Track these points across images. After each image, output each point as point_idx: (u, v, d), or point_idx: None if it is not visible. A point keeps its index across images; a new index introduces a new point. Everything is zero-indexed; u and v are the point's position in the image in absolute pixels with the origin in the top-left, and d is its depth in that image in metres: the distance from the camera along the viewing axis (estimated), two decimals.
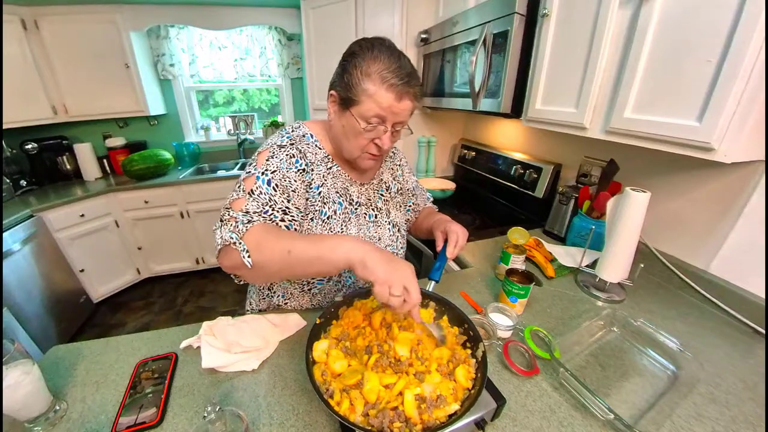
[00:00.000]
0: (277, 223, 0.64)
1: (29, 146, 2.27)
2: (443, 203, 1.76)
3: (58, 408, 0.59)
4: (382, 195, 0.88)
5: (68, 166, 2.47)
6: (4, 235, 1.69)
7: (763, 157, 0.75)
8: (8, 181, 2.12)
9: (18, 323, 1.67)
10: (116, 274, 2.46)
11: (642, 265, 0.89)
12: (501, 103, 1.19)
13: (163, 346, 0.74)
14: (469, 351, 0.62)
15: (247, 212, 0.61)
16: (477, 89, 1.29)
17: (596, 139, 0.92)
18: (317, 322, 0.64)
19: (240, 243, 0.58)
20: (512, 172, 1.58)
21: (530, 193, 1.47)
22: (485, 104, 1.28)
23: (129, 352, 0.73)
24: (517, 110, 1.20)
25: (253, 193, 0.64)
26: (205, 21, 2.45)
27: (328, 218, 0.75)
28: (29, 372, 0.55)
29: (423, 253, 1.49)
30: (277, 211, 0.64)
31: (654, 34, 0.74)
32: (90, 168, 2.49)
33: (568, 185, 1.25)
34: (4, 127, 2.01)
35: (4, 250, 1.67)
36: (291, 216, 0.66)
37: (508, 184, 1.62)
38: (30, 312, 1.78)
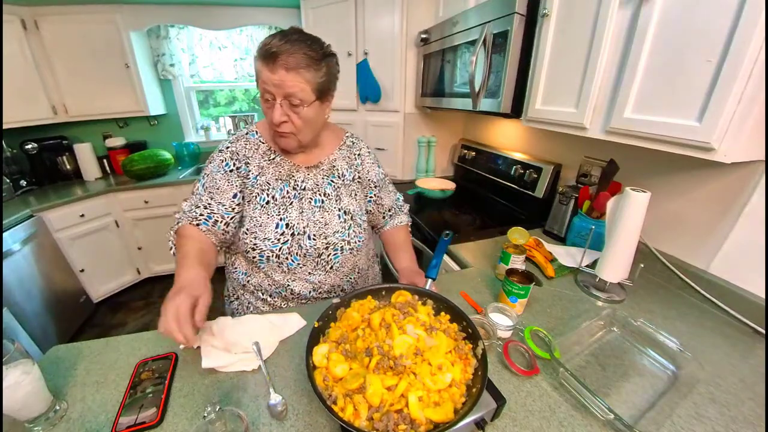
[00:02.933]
0: (197, 217, 0.78)
1: (29, 146, 2.27)
2: (443, 203, 1.76)
3: (58, 408, 0.59)
4: (332, 182, 0.90)
5: (68, 166, 2.47)
6: (4, 235, 1.69)
7: (763, 157, 0.75)
8: (8, 181, 2.12)
9: (18, 323, 1.67)
10: (116, 274, 2.46)
11: (642, 265, 0.89)
12: (501, 103, 1.19)
13: (163, 346, 0.74)
14: (471, 345, 0.62)
15: (183, 212, 0.81)
16: (477, 89, 1.29)
17: (596, 139, 0.92)
18: (315, 326, 0.64)
19: (171, 240, 0.81)
20: (512, 172, 1.58)
21: (530, 193, 1.48)
22: (485, 104, 1.28)
23: (129, 352, 0.73)
24: (517, 110, 1.20)
25: (193, 195, 0.82)
26: (205, 21, 2.45)
27: (266, 203, 0.83)
28: (29, 372, 0.55)
29: (423, 253, 1.49)
30: (201, 207, 0.79)
31: (654, 34, 0.74)
32: (90, 168, 2.49)
33: (568, 185, 1.25)
34: (4, 127, 2.01)
35: (4, 250, 1.67)
36: (210, 210, 0.79)
37: (508, 184, 1.62)
38: (30, 312, 1.78)
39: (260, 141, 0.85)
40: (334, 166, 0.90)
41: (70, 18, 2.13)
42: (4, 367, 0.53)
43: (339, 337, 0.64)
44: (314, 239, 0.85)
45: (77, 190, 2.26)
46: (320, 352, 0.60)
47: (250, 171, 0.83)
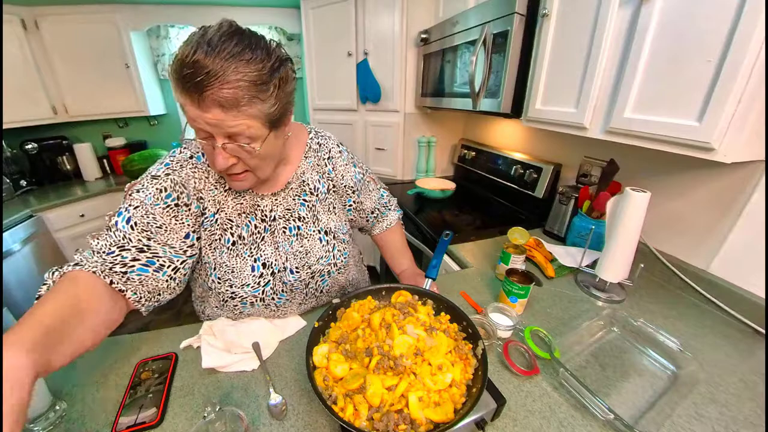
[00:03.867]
0: (124, 263, 0.57)
1: (29, 146, 2.27)
2: (443, 203, 1.76)
3: (58, 408, 0.59)
4: (305, 201, 0.76)
5: (68, 166, 2.47)
6: (4, 235, 1.69)
7: (763, 157, 0.75)
8: (8, 181, 2.12)
9: None
10: None
11: (642, 265, 0.89)
12: (501, 103, 1.19)
13: (163, 346, 0.74)
14: (471, 345, 0.62)
15: (95, 252, 0.57)
16: (477, 89, 1.29)
17: (596, 139, 0.92)
18: (315, 326, 0.64)
19: (48, 284, 0.54)
20: (512, 172, 1.58)
21: (530, 193, 1.48)
22: (485, 104, 1.28)
23: (129, 352, 0.73)
24: (517, 110, 1.20)
25: (110, 230, 0.60)
26: (205, 21, 2.40)
27: (233, 244, 0.70)
28: None
29: (423, 253, 1.49)
30: (129, 250, 0.58)
31: (654, 34, 0.74)
32: (90, 168, 2.49)
33: (568, 185, 1.25)
34: (4, 127, 2.01)
35: (4, 250, 1.67)
36: (153, 253, 0.60)
37: (508, 184, 1.62)
38: None
39: (209, 166, 0.68)
40: (303, 181, 0.76)
41: (70, 18, 2.13)
42: None
43: (339, 337, 0.64)
44: (297, 272, 0.75)
45: (77, 190, 2.26)
46: (320, 352, 0.60)
47: (206, 208, 0.67)
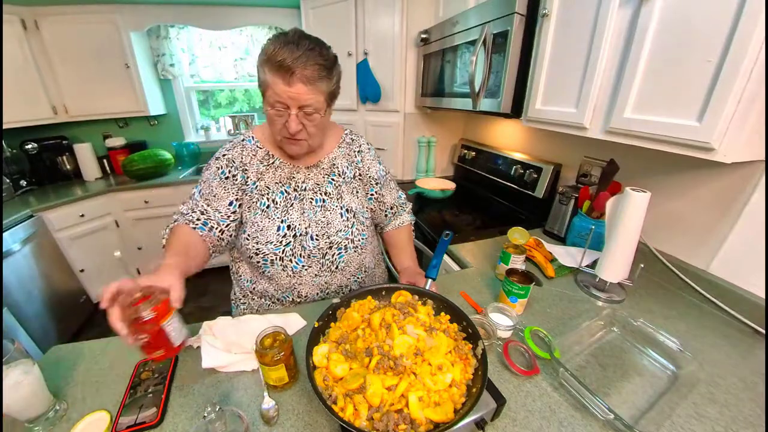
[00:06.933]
0: (194, 221, 0.79)
1: (29, 146, 2.27)
2: (443, 203, 1.76)
3: (58, 408, 0.59)
4: (333, 180, 0.89)
5: (68, 166, 2.47)
6: (4, 235, 1.69)
7: (763, 157, 0.75)
8: (8, 181, 2.12)
9: (18, 323, 1.67)
10: (116, 274, 2.45)
11: (642, 265, 0.89)
12: (501, 103, 1.19)
13: None
14: (471, 345, 0.62)
15: (181, 214, 0.81)
16: (477, 89, 1.29)
17: (596, 139, 0.92)
18: (315, 326, 0.64)
19: (164, 237, 0.80)
20: (512, 172, 1.58)
21: (530, 193, 1.48)
22: (485, 104, 1.28)
23: (129, 352, 0.73)
24: (517, 110, 1.20)
25: (190, 199, 0.84)
26: (205, 21, 2.45)
27: (267, 207, 0.83)
28: (29, 372, 0.55)
29: (423, 253, 1.49)
30: (196, 212, 0.80)
31: (654, 34, 0.74)
32: (90, 168, 2.49)
33: (568, 185, 1.25)
34: (4, 127, 2.01)
35: (4, 250, 1.67)
36: (207, 216, 0.81)
37: (508, 184, 1.62)
38: (30, 312, 1.78)
39: (257, 146, 0.85)
40: (334, 164, 0.90)
41: (70, 18, 2.13)
42: (4, 367, 0.53)
43: (339, 337, 0.64)
44: (317, 239, 0.84)
45: (77, 190, 2.26)
46: (320, 352, 0.60)
47: (248, 177, 0.83)
